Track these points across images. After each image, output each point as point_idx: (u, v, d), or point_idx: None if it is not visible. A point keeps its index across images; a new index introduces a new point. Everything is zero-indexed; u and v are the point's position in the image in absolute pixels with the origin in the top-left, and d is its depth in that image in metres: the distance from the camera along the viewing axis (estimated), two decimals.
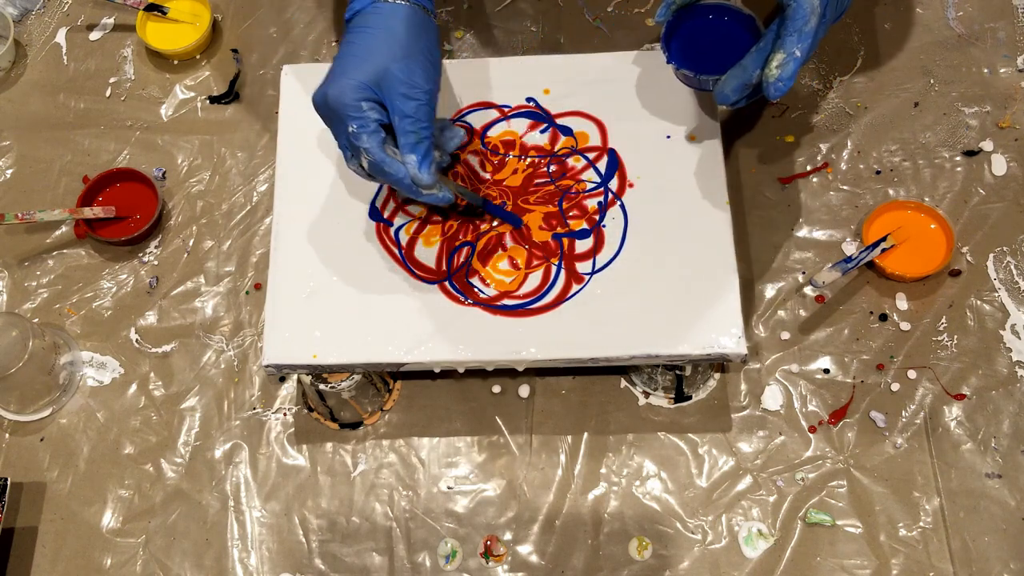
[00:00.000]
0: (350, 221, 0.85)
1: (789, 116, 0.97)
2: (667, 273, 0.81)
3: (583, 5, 1.04)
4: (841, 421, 0.86)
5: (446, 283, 0.82)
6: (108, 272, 0.96)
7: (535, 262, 0.83)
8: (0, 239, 0.98)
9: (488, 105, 0.89)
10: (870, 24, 1.01)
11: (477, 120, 0.89)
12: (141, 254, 0.96)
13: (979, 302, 0.89)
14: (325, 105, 0.75)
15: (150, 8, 1.05)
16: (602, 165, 0.86)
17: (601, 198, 0.85)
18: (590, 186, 0.85)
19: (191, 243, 0.97)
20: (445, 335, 0.80)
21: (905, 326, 0.88)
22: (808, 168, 0.95)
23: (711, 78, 0.79)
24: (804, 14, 0.72)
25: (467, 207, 0.84)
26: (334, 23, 1.05)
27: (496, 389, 0.89)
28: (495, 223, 0.84)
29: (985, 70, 0.98)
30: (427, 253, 0.84)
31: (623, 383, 0.89)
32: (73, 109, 1.04)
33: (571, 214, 0.84)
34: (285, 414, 0.90)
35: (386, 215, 0.85)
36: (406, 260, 0.83)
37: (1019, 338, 0.87)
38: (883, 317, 0.89)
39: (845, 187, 0.94)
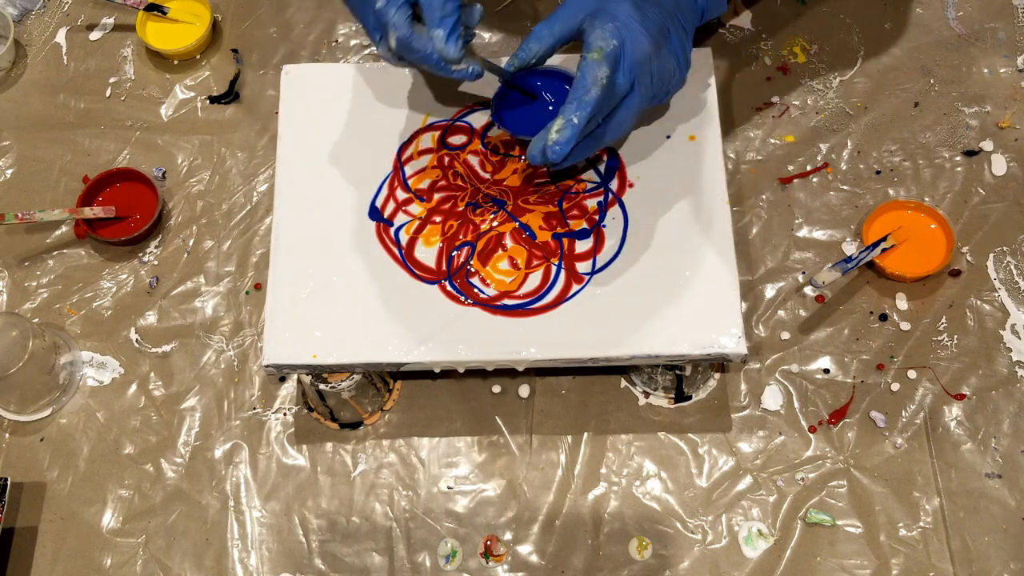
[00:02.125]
0: (350, 221, 0.85)
1: (789, 116, 0.97)
2: (667, 273, 0.81)
3: None
4: (841, 421, 0.86)
5: (446, 283, 0.82)
6: (108, 272, 0.96)
7: (535, 262, 0.83)
8: (0, 239, 0.98)
9: (488, 105, 0.89)
10: (870, 24, 1.01)
11: (477, 120, 0.88)
12: (141, 254, 0.96)
13: (979, 302, 0.89)
14: None
15: (150, 8, 1.05)
16: (602, 165, 0.86)
17: (601, 198, 0.85)
18: (590, 186, 0.85)
19: (191, 243, 0.97)
20: (445, 335, 0.80)
21: (905, 326, 0.88)
22: (808, 168, 0.95)
23: (526, 139, 0.79)
24: (585, 84, 0.73)
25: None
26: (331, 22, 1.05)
27: (496, 389, 0.89)
28: (495, 223, 0.84)
29: (985, 70, 0.98)
30: (427, 253, 0.84)
31: (623, 383, 0.89)
32: (73, 109, 1.04)
33: (571, 214, 0.84)
34: (285, 414, 0.90)
35: (386, 215, 0.85)
36: (406, 260, 0.83)
37: (1019, 338, 0.88)
38: (883, 317, 0.89)
39: (845, 187, 0.94)
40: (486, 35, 1.04)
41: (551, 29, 0.77)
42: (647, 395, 0.88)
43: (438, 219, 0.85)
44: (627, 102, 0.76)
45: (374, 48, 0.78)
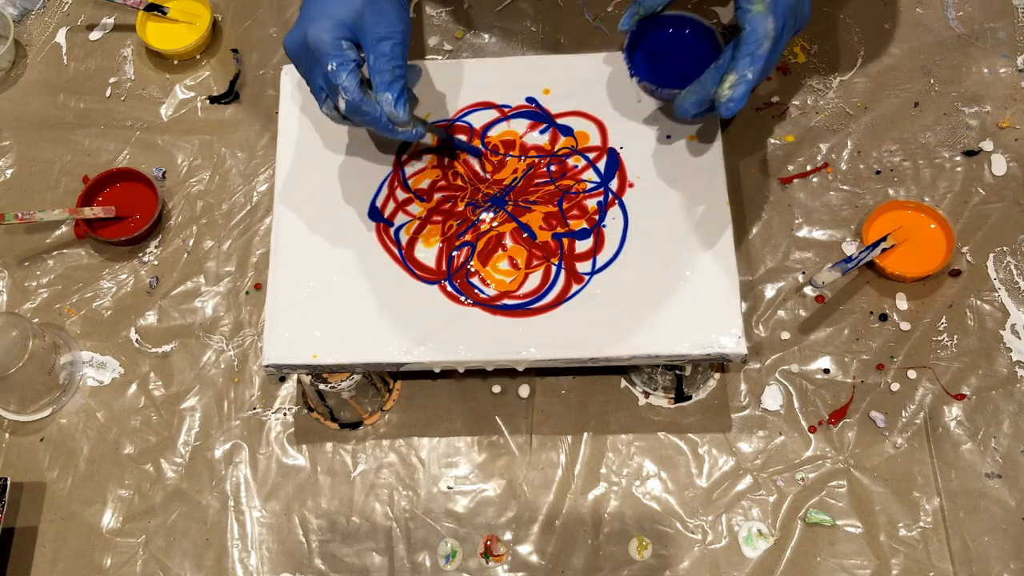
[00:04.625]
0: (350, 221, 0.85)
1: (789, 116, 0.97)
2: (667, 273, 0.81)
3: (583, 5, 1.04)
4: (841, 421, 0.86)
5: (446, 283, 0.82)
6: (108, 272, 0.96)
7: (535, 262, 0.83)
8: (0, 239, 0.98)
9: (488, 105, 0.89)
10: (870, 24, 1.01)
11: (477, 120, 0.89)
12: (141, 254, 0.96)
13: (979, 302, 0.89)
14: (303, 45, 0.77)
15: (150, 8, 1.05)
16: (602, 165, 0.86)
17: (601, 198, 0.85)
18: (590, 186, 0.85)
19: (191, 243, 0.97)
20: (445, 335, 0.80)
21: (905, 326, 0.88)
22: (808, 168, 0.95)
23: (672, 92, 0.80)
24: (757, 38, 0.73)
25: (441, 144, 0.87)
26: None
27: (496, 389, 0.89)
28: (495, 223, 0.84)
29: (985, 70, 0.98)
30: (427, 253, 0.84)
31: (623, 383, 0.89)
32: (73, 109, 1.04)
33: (571, 214, 0.84)
34: (285, 414, 0.90)
35: (386, 215, 0.85)
36: (406, 260, 0.83)
37: (1019, 338, 0.87)
38: (883, 317, 0.89)
39: (845, 187, 0.94)
40: (485, 35, 1.03)
41: None
42: (647, 395, 0.88)
43: (438, 219, 0.85)
44: (778, 46, 0.75)
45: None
